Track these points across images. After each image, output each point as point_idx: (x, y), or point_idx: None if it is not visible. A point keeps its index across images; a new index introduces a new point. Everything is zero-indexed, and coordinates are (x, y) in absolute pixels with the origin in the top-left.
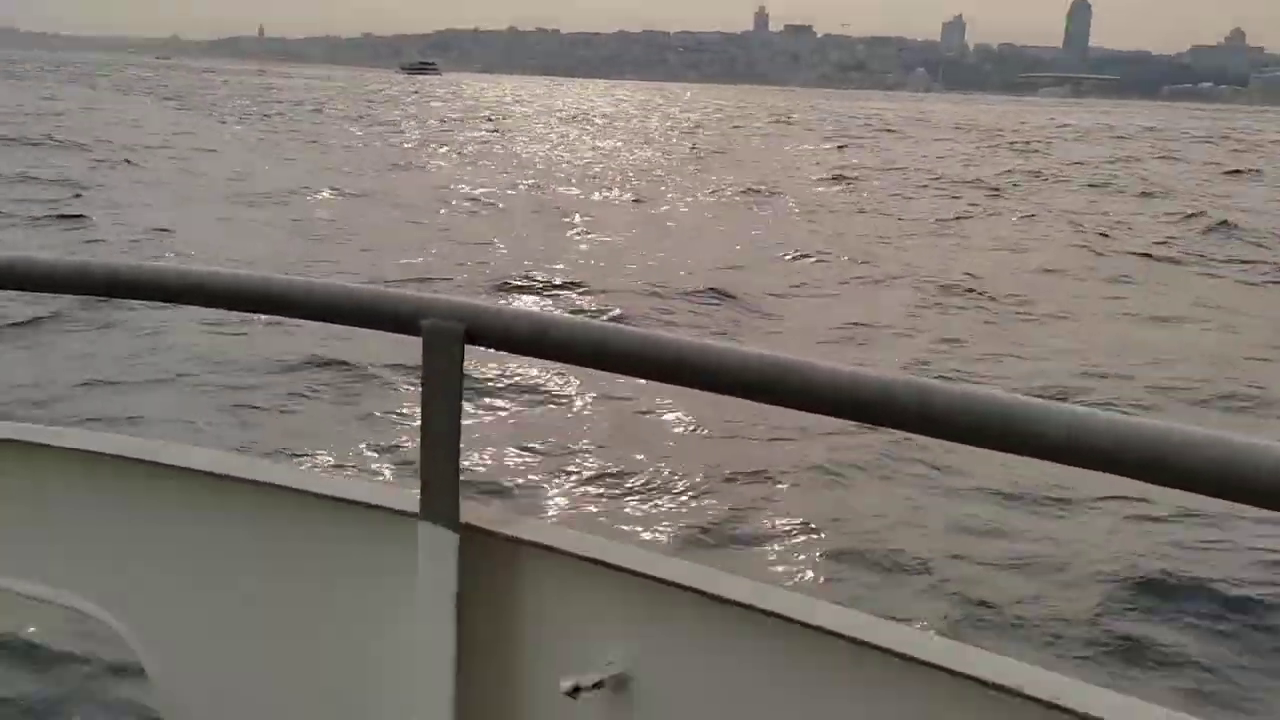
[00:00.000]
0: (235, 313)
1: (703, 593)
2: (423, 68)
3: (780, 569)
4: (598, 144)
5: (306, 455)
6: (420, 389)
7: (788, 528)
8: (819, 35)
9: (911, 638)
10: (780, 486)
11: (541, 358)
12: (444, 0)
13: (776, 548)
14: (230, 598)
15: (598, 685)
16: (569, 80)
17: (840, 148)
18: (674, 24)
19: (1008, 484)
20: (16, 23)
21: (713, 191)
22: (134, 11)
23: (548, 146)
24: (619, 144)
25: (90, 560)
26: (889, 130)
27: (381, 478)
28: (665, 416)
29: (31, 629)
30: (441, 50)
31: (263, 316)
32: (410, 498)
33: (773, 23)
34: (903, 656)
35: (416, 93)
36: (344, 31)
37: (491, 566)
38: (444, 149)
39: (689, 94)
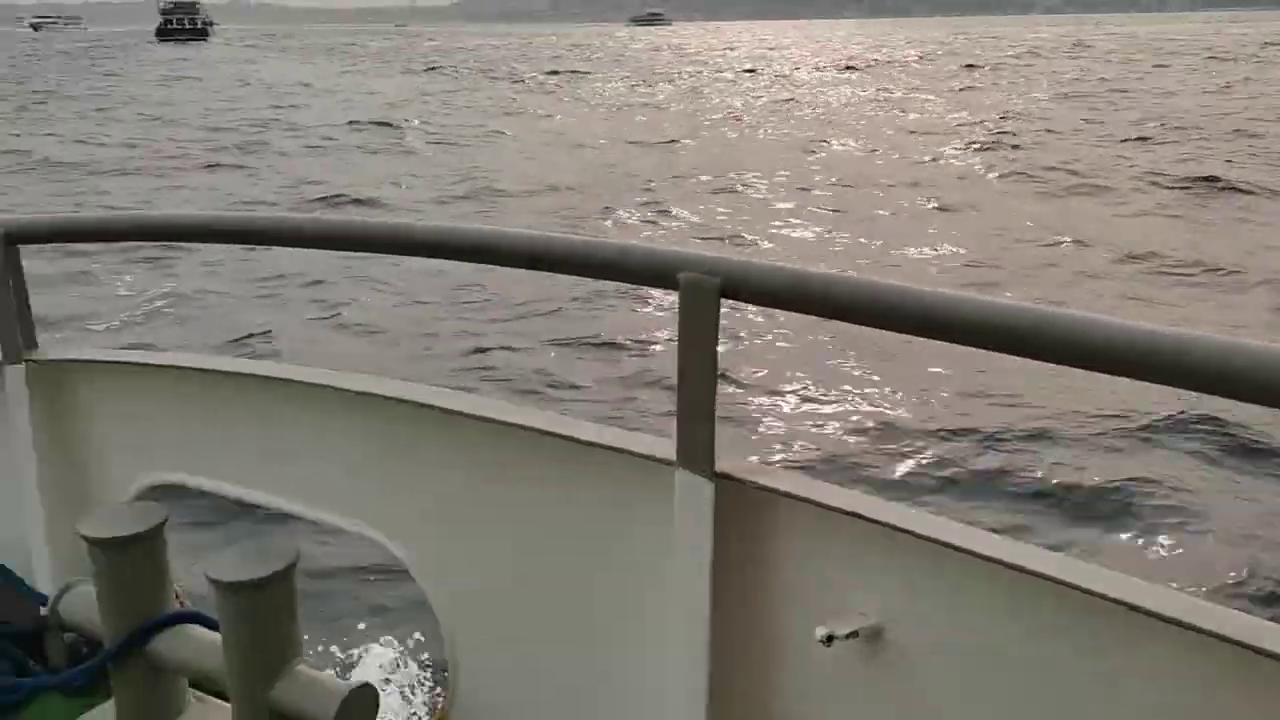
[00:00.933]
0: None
1: (959, 548)
2: (652, 19)
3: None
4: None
5: (567, 404)
6: (677, 341)
7: (1063, 489)
8: None
9: (1184, 603)
10: (1065, 449)
11: (798, 311)
12: None
13: (1055, 515)
14: (498, 533)
15: (851, 635)
16: (792, 22)
17: None
18: None
19: None
20: None
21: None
22: None
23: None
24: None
25: (376, 493)
26: None
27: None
28: (924, 371)
29: (326, 554)
30: (643, 3)
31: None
32: (667, 446)
33: None
34: (1177, 622)
35: (659, 48)
36: None
37: (746, 515)
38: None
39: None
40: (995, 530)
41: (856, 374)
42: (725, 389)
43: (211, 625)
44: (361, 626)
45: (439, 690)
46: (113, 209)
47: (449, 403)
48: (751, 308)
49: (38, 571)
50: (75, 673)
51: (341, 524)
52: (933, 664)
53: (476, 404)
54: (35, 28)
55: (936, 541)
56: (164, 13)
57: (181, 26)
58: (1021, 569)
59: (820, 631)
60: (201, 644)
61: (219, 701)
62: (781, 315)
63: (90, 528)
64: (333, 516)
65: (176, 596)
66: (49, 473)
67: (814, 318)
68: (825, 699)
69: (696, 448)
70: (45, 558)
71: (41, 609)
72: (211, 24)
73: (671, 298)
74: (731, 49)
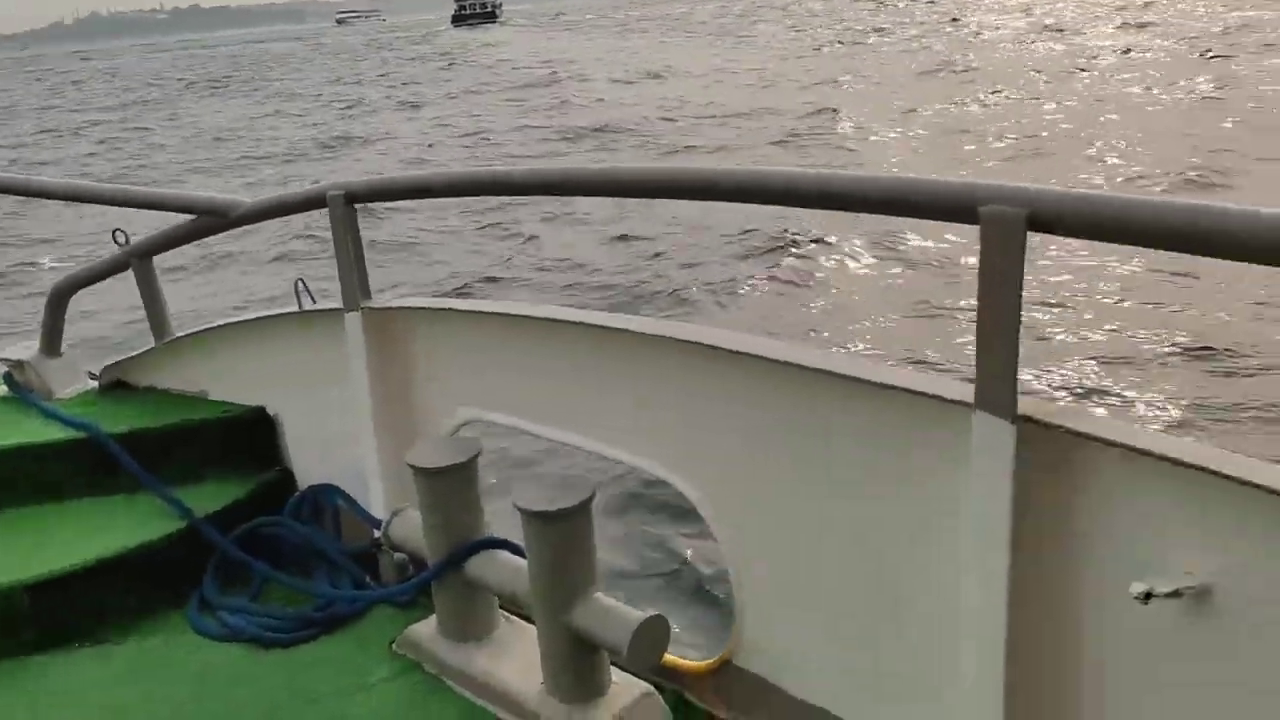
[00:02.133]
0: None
1: None
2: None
3: None
4: None
5: (860, 345)
6: (978, 276)
7: None
8: None
9: None
10: None
11: (1123, 243)
12: None
13: None
14: (786, 474)
15: (1174, 594)
16: None
17: None
18: None
19: None
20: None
21: None
22: None
23: None
24: None
25: (668, 433)
26: None
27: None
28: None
29: (616, 490)
30: None
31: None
32: (965, 389)
33: None
34: None
35: None
36: None
37: (1052, 460)
38: None
39: None
40: None
41: (1183, 310)
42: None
43: (519, 552)
44: (654, 559)
45: (724, 630)
46: (434, 169)
47: (739, 344)
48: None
49: (373, 497)
50: (404, 588)
51: (637, 462)
52: (1273, 633)
53: (767, 346)
54: (340, 22)
55: (1273, 490)
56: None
57: (474, 11)
58: None
59: (1137, 587)
60: (510, 568)
61: (525, 623)
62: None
63: (415, 458)
64: (628, 455)
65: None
66: (381, 409)
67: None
68: (1143, 663)
69: (997, 389)
70: (379, 485)
71: (375, 531)
72: (499, 5)
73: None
74: None
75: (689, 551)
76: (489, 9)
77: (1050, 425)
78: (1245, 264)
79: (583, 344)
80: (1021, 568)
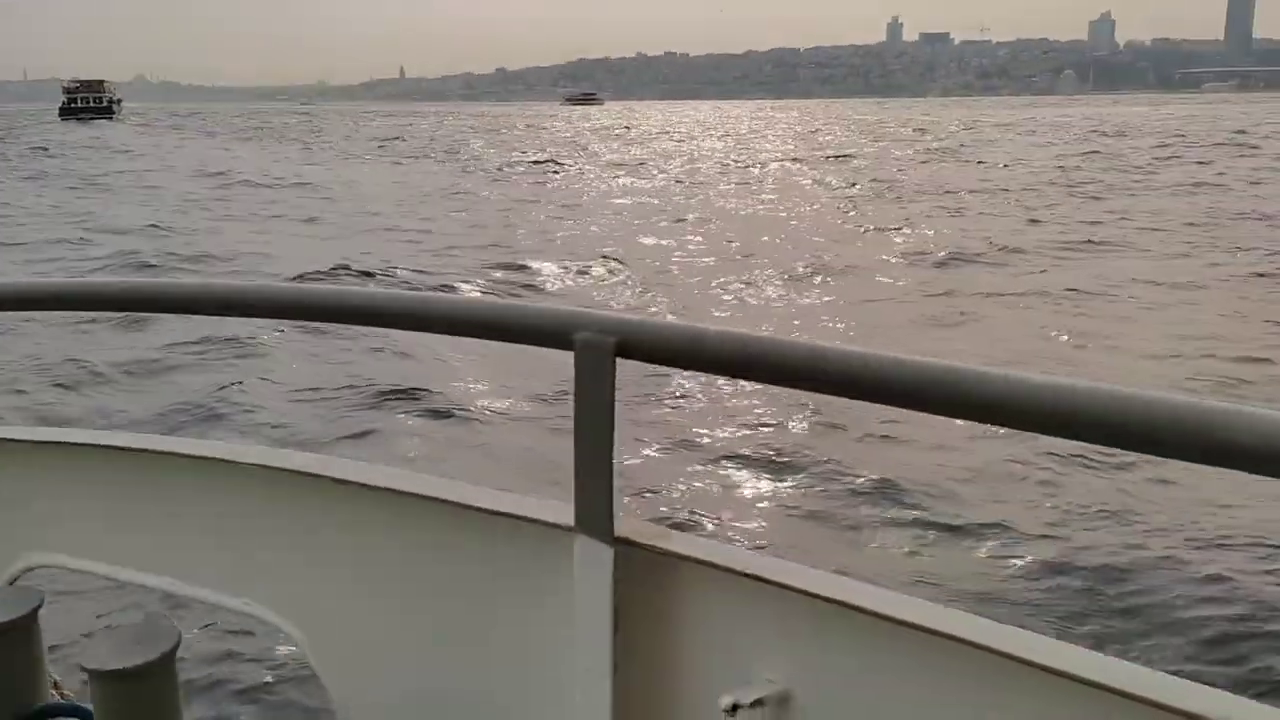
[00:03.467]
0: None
1: (866, 610)
2: (586, 98)
3: (957, 590)
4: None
5: (459, 471)
6: (573, 402)
7: (961, 545)
8: (956, 42)
9: (1092, 661)
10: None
11: (695, 370)
12: (571, 30)
13: (951, 567)
14: (394, 606)
15: (757, 703)
16: (701, 102)
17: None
18: (804, 40)
19: None
20: (178, 76)
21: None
22: (284, 60)
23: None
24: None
25: (265, 570)
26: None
27: (534, 494)
28: (818, 425)
29: (212, 633)
30: (574, 80)
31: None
32: (565, 511)
33: (907, 32)
34: (1079, 679)
35: (627, 128)
36: (477, 68)
37: (648, 580)
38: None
39: (823, 109)
40: (902, 591)
41: (763, 432)
42: (626, 452)
43: (88, 718)
44: (251, 709)
45: None
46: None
47: (338, 471)
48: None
49: None
50: None
51: (228, 602)
52: None
53: (366, 472)
54: None
55: (842, 604)
56: (67, 91)
57: (86, 105)
58: (931, 630)
59: (725, 700)
60: None
61: None
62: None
63: None
64: (219, 595)
65: (55, 686)
66: None
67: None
68: None
69: (594, 513)
70: None
71: None
72: (118, 101)
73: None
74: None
75: (292, 693)
76: (104, 103)
77: (647, 546)
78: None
79: (169, 475)
80: (624, 685)
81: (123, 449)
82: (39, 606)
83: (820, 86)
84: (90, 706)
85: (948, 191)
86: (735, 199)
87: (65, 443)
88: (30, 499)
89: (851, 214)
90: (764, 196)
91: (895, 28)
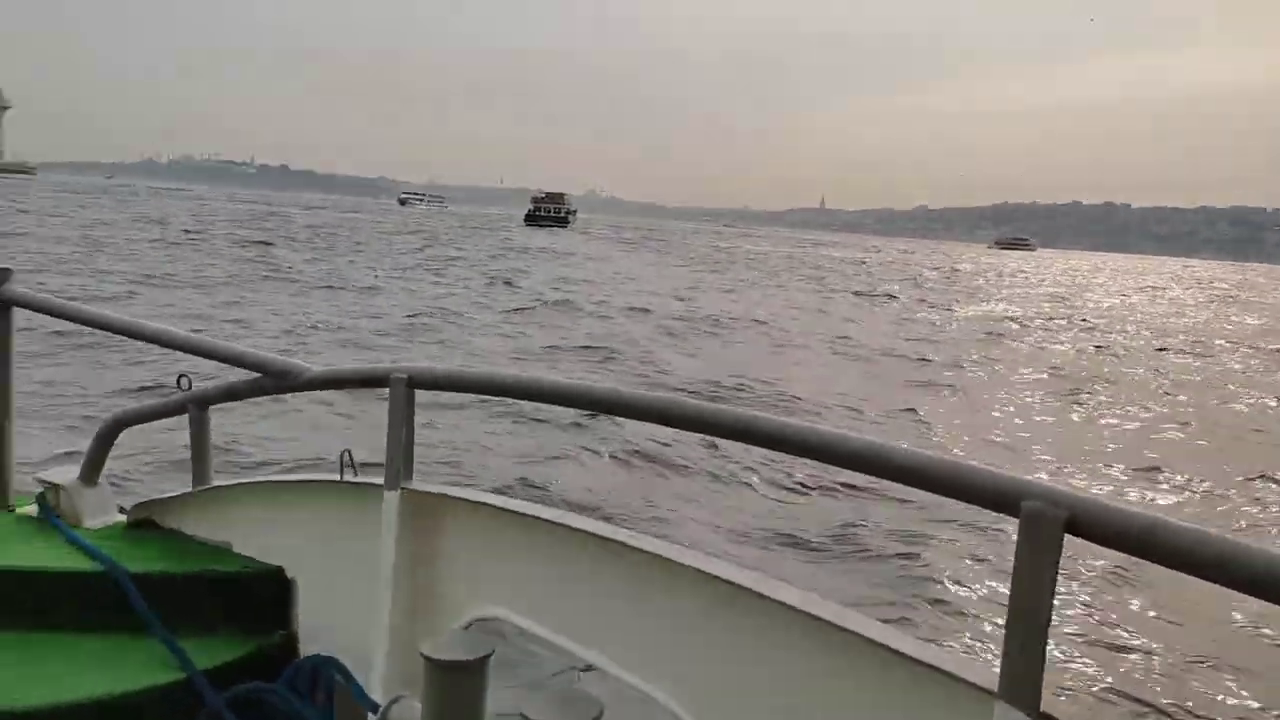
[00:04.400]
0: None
1: None
2: (1015, 243)
3: None
4: None
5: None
6: (1013, 569)
7: None
8: None
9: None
10: None
11: (1149, 560)
12: (999, 174)
13: None
14: None
15: None
16: (1143, 258)
17: None
18: (1270, 200)
19: None
20: (621, 193)
21: None
22: (713, 186)
23: None
24: None
25: (683, 668)
26: None
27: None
28: None
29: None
30: (994, 224)
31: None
32: (989, 674)
33: None
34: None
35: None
36: (898, 205)
37: None
38: None
39: None
40: None
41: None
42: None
43: None
44: None
45: None
46: (495, 370)
47: (778, 594)
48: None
49: (374, 678)
50: None
51: (644, 688)
52: None
53: (805, 600)
54: (402, 202)
55: None
56: (535, 200)
57: (547, 214)
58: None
59: None
60: None
61: None
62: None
63: (429, 648)
64: (637, 679)
65: None
66: (401, 590)
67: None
68: None
69: (1021, 683)
70: (382, 667)
71: (370, 715)
72: (573, 212)
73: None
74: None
75: None
76: (562, 214)
77: None
78: None
79: (616, 563)
80: None
81: (572, 528)
82: (491, 654)
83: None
84: None
85: None
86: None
87: (525, 514)
88: (491, 558)
89: None
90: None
91: None
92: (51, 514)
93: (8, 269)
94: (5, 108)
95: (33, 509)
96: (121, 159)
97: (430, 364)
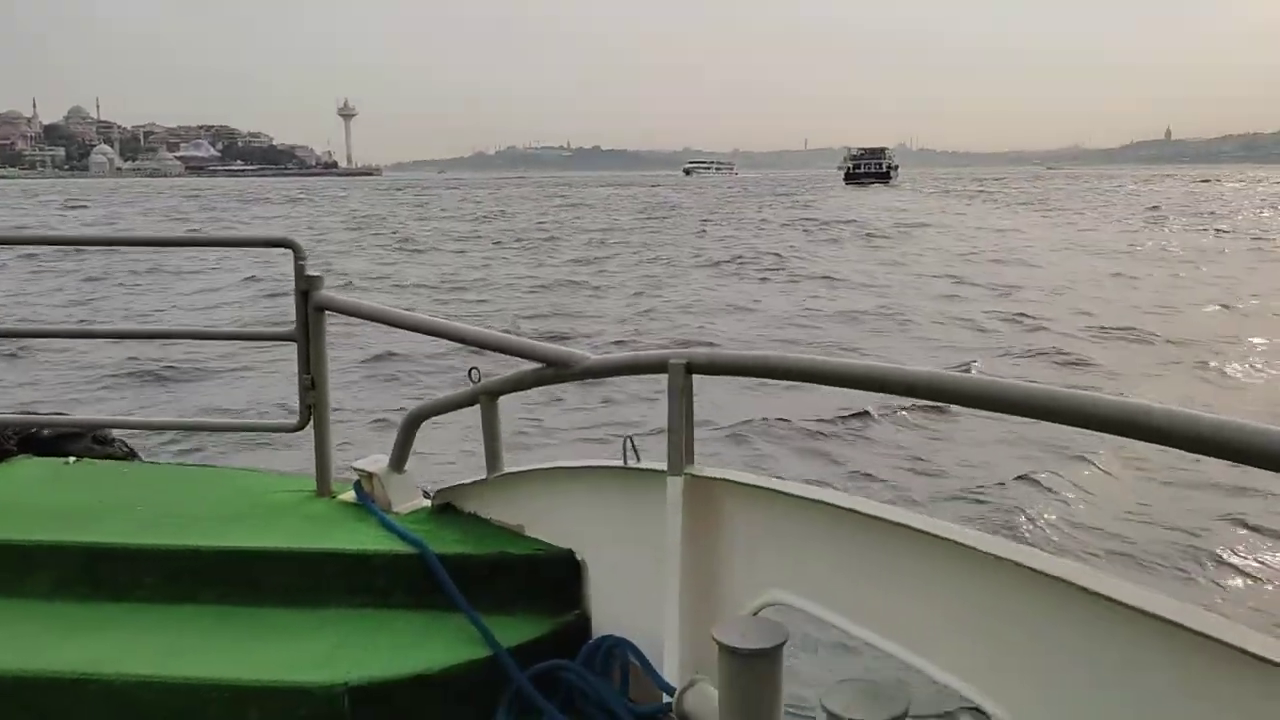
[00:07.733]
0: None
1: None
2: None
3: None
4: None
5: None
6: None
7: None
8: None
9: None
10: None
11: None
12: None
13: None
14: None
15: None
16: None
17: None
18: None
19: None
20: (931, 144)
21: None
22: (1032, 126)
23: None
24: None
25: (993, 662)
26: None
27: None
28: None
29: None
30: None
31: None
32: None
33: None
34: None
35: None
36: (1265, 126)
37: None
38: None
39: None
40: None
41: None
42: None
43: None
44: None
45: None
46: (771, 353)
47: (1092, 583)
48: None
49: (666, 660)
50: None
51: (939, 677)
52: None
53: (1136, 594)
54: (687, 172)
55: None
56: (852, 158)
57: (867, 170)
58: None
59: None
60: None
61: None
62: None
63: (723, 634)
64: (932, 668)
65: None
66: (689, 575)
67: None
68: None
69: None
70: (674, 650)
71: (664, 695)
72: (895, 167)
73: None
74: None
75: None
76: (884, 170)
77: None
78: None
79: (903, 546)
80: None
81: (862, 514)
82: (785, 641)
83: None
84: None
85: None
86: None
87: (813, 499)
88: (775, 542)
89: None
90: None
91: None
92: (368, 500)
93: (319, 276)
94: (351, 115)
95: (350, 495)
96: (459, 155)
97: (708, 349)
